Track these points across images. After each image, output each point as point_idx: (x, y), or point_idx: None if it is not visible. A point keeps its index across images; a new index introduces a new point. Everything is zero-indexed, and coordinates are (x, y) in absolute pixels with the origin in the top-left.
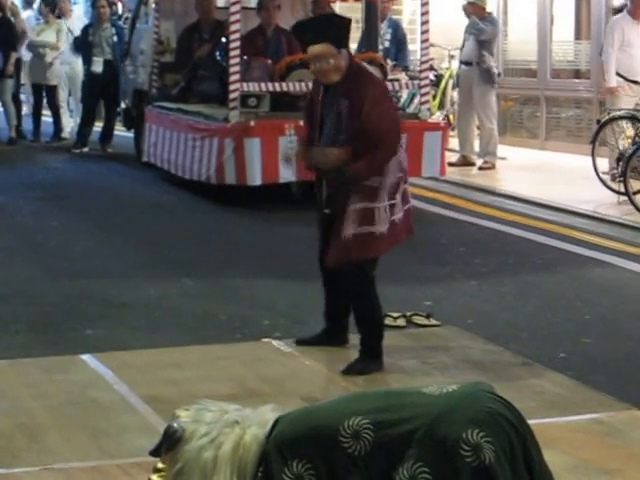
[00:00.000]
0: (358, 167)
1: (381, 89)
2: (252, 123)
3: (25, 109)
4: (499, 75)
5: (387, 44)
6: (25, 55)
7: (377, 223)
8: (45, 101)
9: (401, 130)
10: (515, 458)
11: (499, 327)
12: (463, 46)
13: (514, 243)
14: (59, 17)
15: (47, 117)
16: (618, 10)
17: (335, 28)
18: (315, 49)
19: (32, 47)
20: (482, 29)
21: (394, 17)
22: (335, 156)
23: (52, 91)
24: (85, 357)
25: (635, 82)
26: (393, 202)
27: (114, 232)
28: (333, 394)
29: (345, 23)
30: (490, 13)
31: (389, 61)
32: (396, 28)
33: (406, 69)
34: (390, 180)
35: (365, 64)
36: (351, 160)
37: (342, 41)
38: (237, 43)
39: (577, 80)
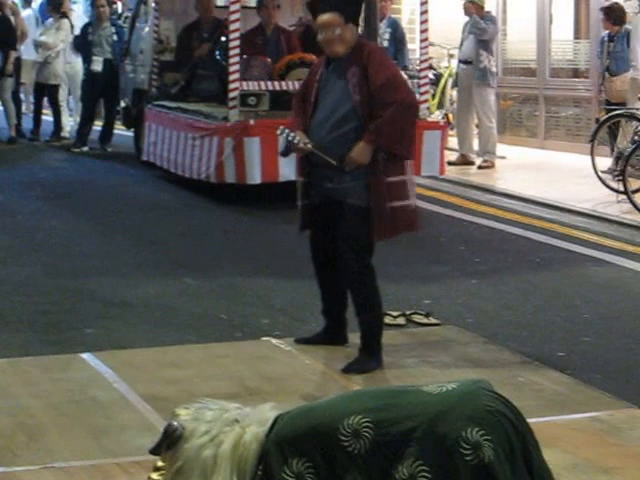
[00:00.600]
0: (388, 139)
1: (383, 53)
2: (252, 122)
3: (24, 108)
4: (496, 74)
5: (386, 43)
6: (24, 53)
7: (410, 196)
8: (46, 100)
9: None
10: (514, 456)
11: (498, 326)
12: (461, 45)
13: (513, 242)
14: (63, 16)
15: (47, 116)
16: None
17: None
18: (323, 17)
19: (35, 47)
20: (485, 29)
21: (393, 16)
22: (369, 148)
23: (53, 90)
24: (85, 356)
25: None
26: (414, 177)
27: (114, 231)
28: (333, 392)
29: None
30: (489, 12)
31: None
32: (395, 27)
33: (405, 68)
34: (413, 151)
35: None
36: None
37: (350, 14)
38: (237, 42)
39: (576, 79)
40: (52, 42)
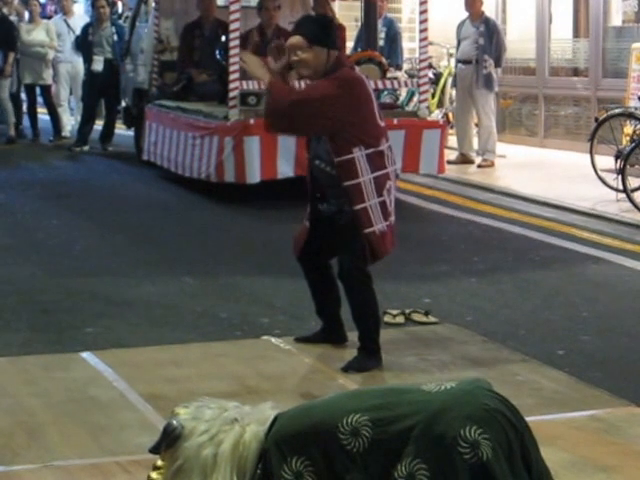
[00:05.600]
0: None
1: (334, 83)
2: (252, 121)
3: (24, 108)
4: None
5: (382, 42)
6: None
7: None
8: (42, 101)
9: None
10: (513, 455)
11: (497, 324)
12: (459, 45)
13: (513, 240)
14: (45, 17)
15: (45, 115)
16: None
17: (311, 23)
18: (289, 40)
19: (24, 47)
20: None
21: (390, 15)
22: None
23: (47, 90)
24: (85, 355)
25: None
26: (382, 199)
27: (114, 230)
28: (332, 391)
29: (324, 21)
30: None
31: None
32: (390, 26)
33: (397, 67)
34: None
35: (355, 67)
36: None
37: (316, 38)
38: (237, 42)
39: (575, 78)
40: (53, 42)
